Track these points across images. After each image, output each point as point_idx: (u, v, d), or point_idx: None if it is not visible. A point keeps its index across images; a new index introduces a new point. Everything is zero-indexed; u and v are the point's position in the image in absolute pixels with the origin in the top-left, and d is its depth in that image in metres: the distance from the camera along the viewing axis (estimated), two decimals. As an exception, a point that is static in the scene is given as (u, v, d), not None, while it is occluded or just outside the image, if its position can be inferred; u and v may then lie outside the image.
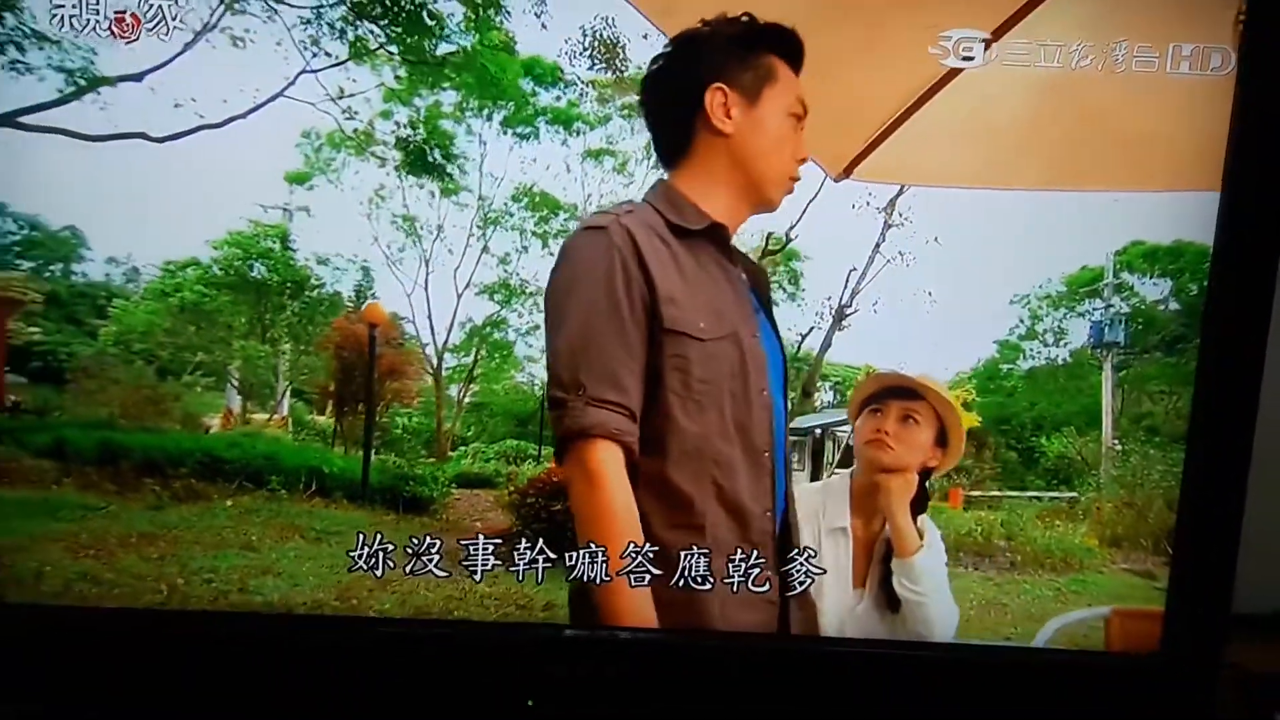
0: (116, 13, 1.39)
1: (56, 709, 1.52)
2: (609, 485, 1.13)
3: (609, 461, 1.13)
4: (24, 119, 1.96)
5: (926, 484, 1.59)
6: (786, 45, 1.32)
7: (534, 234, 2.59)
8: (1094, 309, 2.47)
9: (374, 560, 1.42)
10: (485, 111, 2.54)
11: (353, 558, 1.44)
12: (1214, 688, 1.60)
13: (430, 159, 2.35)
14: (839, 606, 1.55)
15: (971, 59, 1.49)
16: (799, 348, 2.66)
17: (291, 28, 1.99)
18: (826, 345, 2.61)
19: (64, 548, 1.84)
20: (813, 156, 1.76)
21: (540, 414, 2.61)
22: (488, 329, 2.67)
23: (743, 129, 1.27)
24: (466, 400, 2.85)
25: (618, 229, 1.19)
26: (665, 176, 1.32)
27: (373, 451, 2.44)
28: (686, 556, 1.24)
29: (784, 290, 2.65)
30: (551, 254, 2.59)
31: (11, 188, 2.27)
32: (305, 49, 2.07)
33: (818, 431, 2.77)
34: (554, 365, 1.21)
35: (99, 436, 2.07)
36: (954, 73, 1.59)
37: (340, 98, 2.17)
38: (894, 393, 1.57)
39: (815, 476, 2.72)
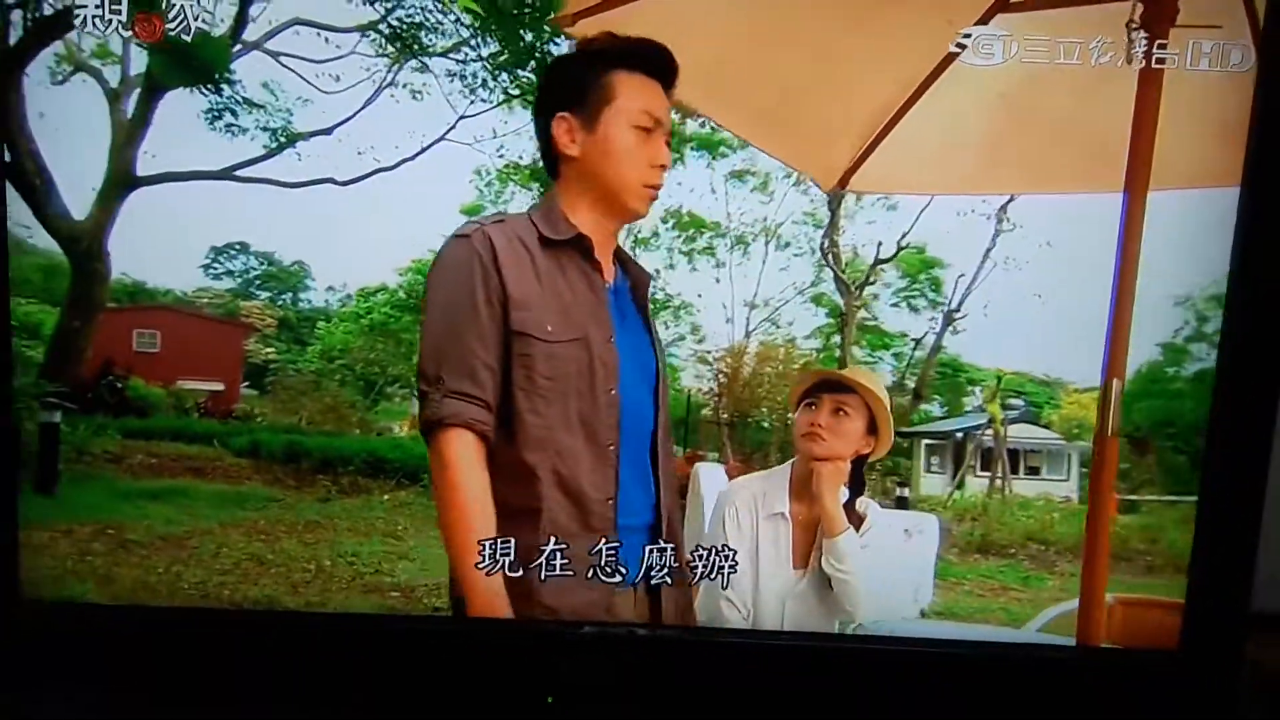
0: (138, 13, 1.53)
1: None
2: (460, 471, 1.28)
3: (462, 448, 1.28)
4: (238, 172, 2.36)
5: (863, 469, 1.69)
6: (634, 59, 1.41)
7: (681, 252, 2.77)
8: (1267, 309, 2.33)
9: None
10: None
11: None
12: (1234, 685, 1.59)
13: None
14: (780, 586, 1.65)
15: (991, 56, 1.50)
16: (912, 353, 2.68)
17: (443, 79, 2.30)
18: (936, 349, 2.60)
19: (242, 532, 2.18)
20: (806, 171, 1.83)
21: (686, 419, 2.77)
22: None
23: (587, 150, 1.39)
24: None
25: (480, 237, 1.33)
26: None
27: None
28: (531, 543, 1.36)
29: (926, 298, 2.68)
30: (696, 270, 2.78)
31: (250, 230, 2.72)
32: (464, 97, 2.36)
33: (959, 435, 2.76)
34: (420, 361, 1.35)
35: (287, 439, 2.44)
36: (929, 81, 1.62)
37: (494, 137, 2.43)
38: (826, 387, 1.67)
39: (957, 480, 2.72)
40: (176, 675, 1.61)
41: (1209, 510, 1.58)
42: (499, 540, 1.35)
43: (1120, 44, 1.49)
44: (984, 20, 1.51)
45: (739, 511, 1.66)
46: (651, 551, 1.44)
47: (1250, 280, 1.55)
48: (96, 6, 1.47)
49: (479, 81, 2.31)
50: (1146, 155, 1.56)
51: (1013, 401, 2.67)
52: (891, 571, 1.85)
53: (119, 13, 1.47)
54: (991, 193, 1.99)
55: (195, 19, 1.55)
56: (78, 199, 2.41)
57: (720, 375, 2.65)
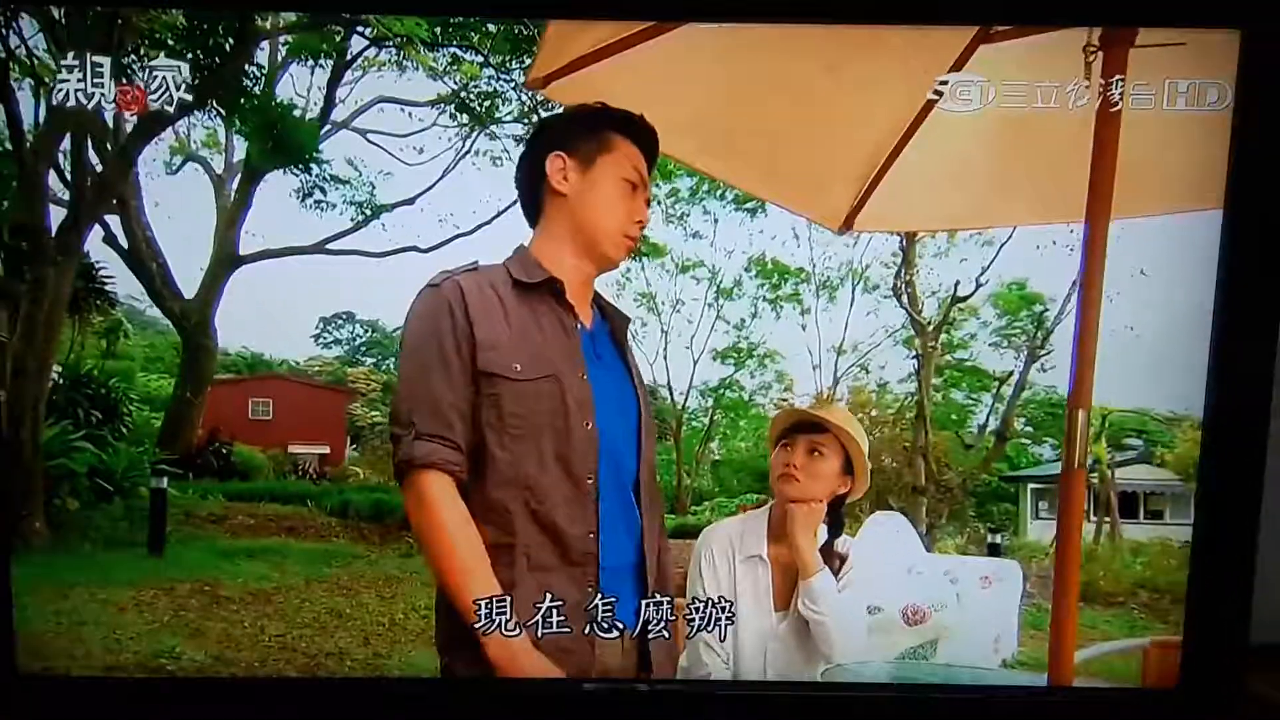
0: (120, 88, 1.58)
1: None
2: (439, 509, 1.26)
3: (435, 486, 1.26)
4: (329, 245, 2.50)
5: (841, 509, 1.63)
6: (629, 126, 1.43)
7: (766, 300, 2.74)
8: None
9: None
10: (719, 192, 2.75)
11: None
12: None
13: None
14: (759, 628, 1.59)
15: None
16: (996, 391, 2.55)
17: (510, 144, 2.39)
18: (1021, 386, 2.47)
19: (325, 588, 2.25)
20: (809, 216, 1.78)
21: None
22: (721, 390, 2.85)
23: (578, 189, 1.38)
24: (706, 457, 2.98)
25: (450, 286, 1.31)
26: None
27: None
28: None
29: (1028, 335, 2.56)
30: (781, 317, 2.75)
31: (350, 300, 2.86)
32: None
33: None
34: (393, 405, 1.34)
35: (374, 497, 2.52)
36: (918, 121, 1.57)
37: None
38: (802, 428, 1.60)
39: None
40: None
41: (1204, 545, 1.54)
42: (494, 598, 1.35)
43: (1094, 88, 1.44)
44: (962, 59, 1.48)
45: (714, 555, 1.62)
46: (648, 606, 1.41)
47: (1235, 321, 1.51)
48: (79, 81, 1.54)
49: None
50: (1107, 188, 1.48)
51: (1130, 441, 2.50)
52: (970, 620, 1.77)
53: (101, 87, 1.55)
54: (1001, 225, 1.92)
55: (178, 88, 1.60)
56: (186, 279, 2.61)
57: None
